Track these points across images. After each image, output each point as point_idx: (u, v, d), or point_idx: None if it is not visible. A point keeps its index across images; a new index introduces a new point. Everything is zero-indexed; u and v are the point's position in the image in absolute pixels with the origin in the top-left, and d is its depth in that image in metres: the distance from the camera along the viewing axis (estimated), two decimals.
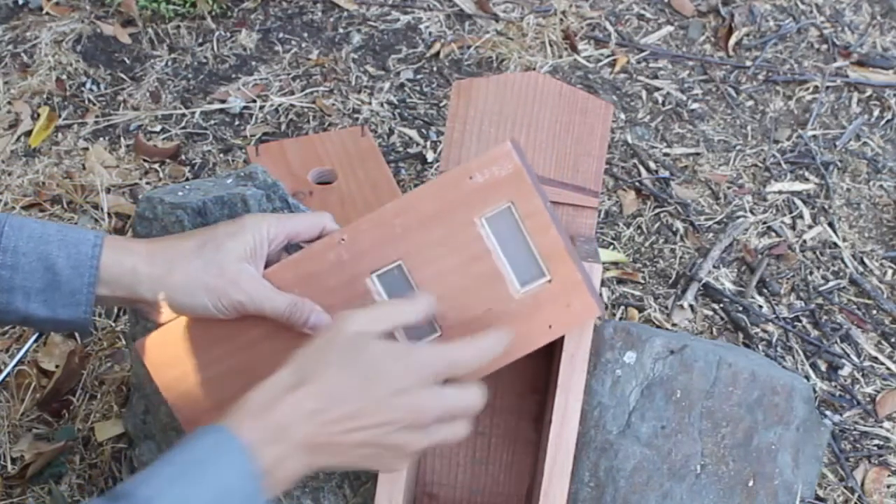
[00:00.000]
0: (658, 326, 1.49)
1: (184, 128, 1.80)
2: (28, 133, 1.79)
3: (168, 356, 0.94)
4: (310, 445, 0.76)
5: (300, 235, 0.92)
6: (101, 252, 0.87)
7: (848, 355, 1.49)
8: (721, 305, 1.54)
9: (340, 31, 1.98)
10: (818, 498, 1.31)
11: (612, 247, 1.61)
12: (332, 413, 0.76)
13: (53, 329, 0.89)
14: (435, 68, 1.91)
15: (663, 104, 1.85)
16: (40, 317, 0.86)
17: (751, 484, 1.13)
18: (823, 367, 1.47)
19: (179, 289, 0.87)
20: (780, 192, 1.71)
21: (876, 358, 1.49)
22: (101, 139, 1.78)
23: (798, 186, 1.72)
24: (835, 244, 1.63)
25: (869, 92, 1.88)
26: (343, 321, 0.80)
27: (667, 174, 1.72)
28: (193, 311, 0.89)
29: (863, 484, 1.34)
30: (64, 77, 1.88)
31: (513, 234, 0.88)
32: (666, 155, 1.76)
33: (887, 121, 1.84)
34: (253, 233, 0.89)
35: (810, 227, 1.66)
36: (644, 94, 1.87)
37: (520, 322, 0.89)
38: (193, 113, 1.82)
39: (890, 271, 1.61)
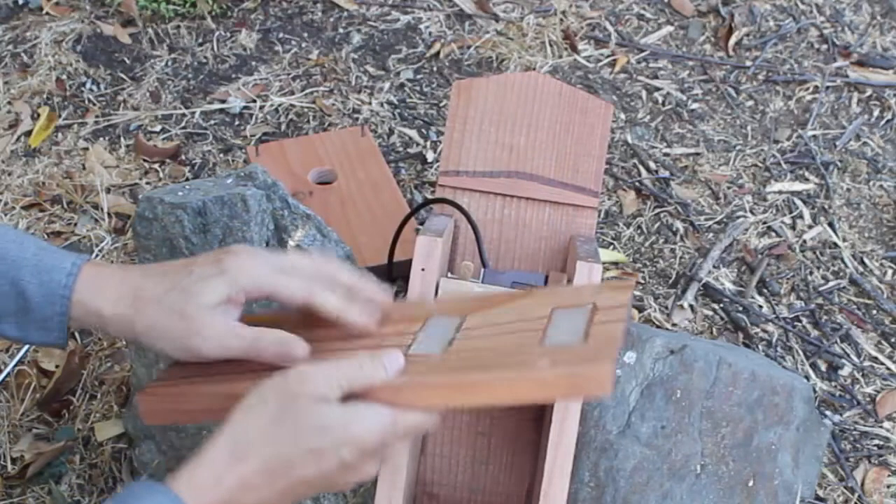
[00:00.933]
0: (658, 326, 1.49)
1: (184, 128, 1.80)
2: (28, 133, 1.79)
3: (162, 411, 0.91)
4: None
5: (283, 299, 0.86)
6: (76, 282, 0.84)
7: (848, 355, 1.49)
8: (721, 305, 1.54)
9: (340, 31, 1.98)
10: (818, 498, 1.31)
11: (612, 247, 1.61)
12: (279, 483, 0.74)
13: (31, 345, 0.88)
14: (435, 68, 1.91)
15: (663, 104, 1.85)
16: (13, 336, 0.85)
17: (751, 484, 1.13)
18: (823, 367, 1.47)
19: (142, 334, 0.84)
20: (780, 192, 1.71)
21: (876, 358, 1.49)
22: (101, 139, 1.78)
23: (798, 186, 1.72)
24: (835, 244, 1.63)
25: (869, 92, 1.88)
26: (299, 382, 0.75)
27: (667, 174, 1.72)
28: (157, 353, 0.87)
29: (863, 484, 1.34)
30: (64, 77, 1.88)
31: (577, 319, 0.83)
32: (666, 155, 1.76)
33: (887, 121, 1.84)
34: (230, 282, 0.84)
35: (810, 227, 1.66)
36: (644, 94, 1.87)
37: (522, 356, 0.80)
38: (193, 113, 1.82)
39: (890, 271, 1.61)
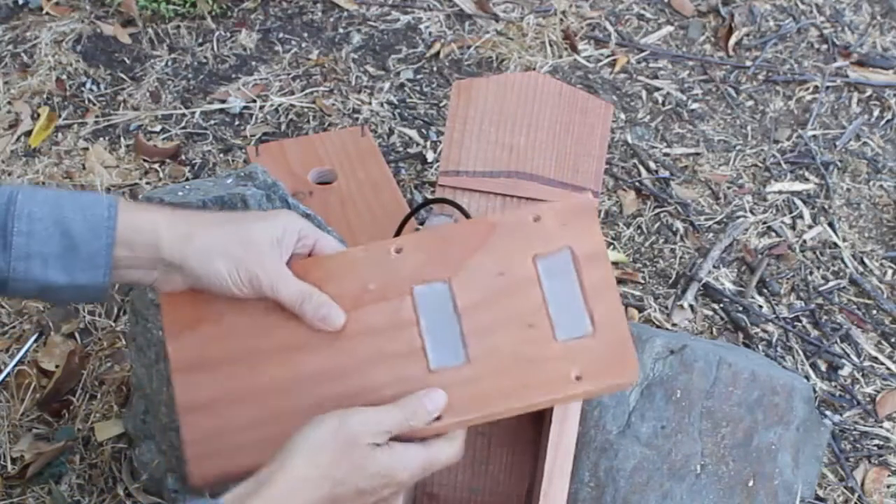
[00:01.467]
0: (658, 326, 1.49)
1: (184, 128, 1.80)
2: (28, 133, 1.79)
3: (183, 314, 0.91)
4: None
5: (322, 247, 0.91)
6: (118, 213, 0.84)
7: (848, 355, 1.49)
8: (721, 305, 1.54)
9: (340, 31, 1.98)
10: (818, 498, 1.31)
11: (612, 247, 1.61)
12: None
13: (73, 297, 0.86)
14: (435, 68, 1.91)
15: (663, 104, 1.85)
16: (59, 283, 0.84)
17: (751, 484, 1.13)
18: (823, 367, 1.47)
19: (199, 251, 0.85)
20: (780, 192, 1.71)
21: (876, 358, 1.49)
22: (101, 139, 1.78)
23: (798, 186, 1.72)
24: (835, 244, 1.63)
25: (869, 92, 1.88)
26: (350, 426, 0.80)
27: (667, 174, 1.72)
28: (207, 279, 0.86)
29: (863, 484, 1.34)
30: (64, 77, 1.88)
31: (566, 280, 0.87)
32: (666, 155, 1.76)
33: (887, 121, 1.84)
34: (285, 223, 0.88)
35: (810, 227, 1.66)
36: (644, 94, 1.87)
37: (550, 366, 0.86)
38: (193, 113, 1.82)
39: (890, 271, 1.61)
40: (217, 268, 0.85)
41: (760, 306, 1.54)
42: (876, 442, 1.39)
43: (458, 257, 0.89)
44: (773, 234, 1.64)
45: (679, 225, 1.65)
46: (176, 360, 0.89)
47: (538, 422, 1.09)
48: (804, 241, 1.63)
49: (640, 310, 1.52)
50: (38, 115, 1.81)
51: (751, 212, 1.67)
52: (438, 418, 0.85)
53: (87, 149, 1.76)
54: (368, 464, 0.80)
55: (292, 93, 1.85)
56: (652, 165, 1.74)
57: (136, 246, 0.85)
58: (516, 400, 0.85)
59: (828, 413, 1.41)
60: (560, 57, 1.92)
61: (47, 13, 2.00)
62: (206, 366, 0.88)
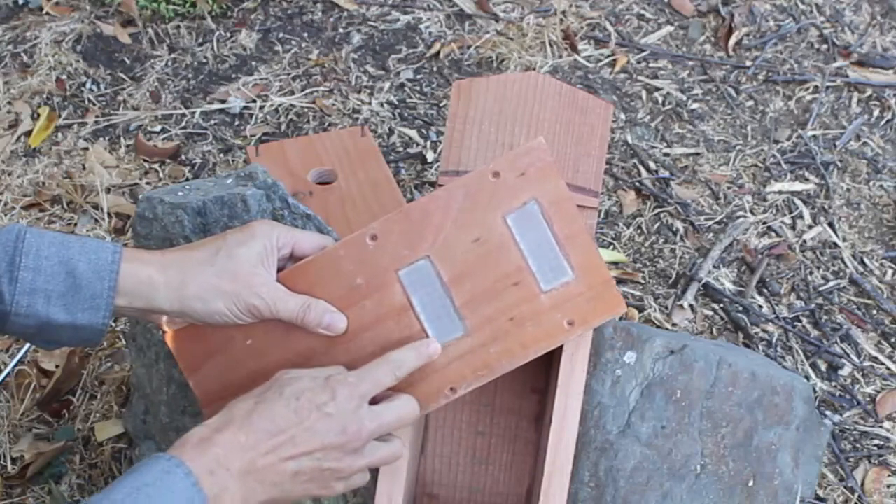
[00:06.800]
0: (658, 326, 1.49)
1: (184, 128, 1.80)
2: (28, 133, 1.79)
3: (194, 350, 0.95)
4: (247, 476, 0.80)
5: (304, 249, 0.94)
6: (121, 259, 0.87)
7: (848, 355, 1.49)
8: (721, 305, 1.54)
9: (340, 31, 1.98)
10: (818, 498, 1.31)
11: (612, 247, 1.61)
12: (264, 444, 0.81)
13: (70, 338, 0.89)
14: (435, 68, 1.91)
15: (663, 104, 1.85)
16: (59, 321, 0.86)
17: (751, 484, 1.13)
18: (823, 367, 1.47)
19: (195, 297, 0.88)
20: (780, 192, 1.71)
21: (876, 358, 1.49)
22: (101, 139, 1.78)
23: (798, 186, 1.72)
24: (835, 244, 1.63)
25: (869, 92, 1.88)
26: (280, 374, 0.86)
27: (667, 174, 1.73)
28: (210, 318, 0.90)
29: (863, 484, 1.34)
30: (64, 77, 1.88)
31: (539, 231, 0.91)
32: (666, 155, 1.76)
33: (887, 121, 1.84)
34: (263, 240, 0.91)
35: (810, 227, 1.66)
36: (644, 94, 1.87)
37: (543, 319, 0.91)
38: (193, 113, 1.82)
39: (890, 271, 1.61)
40: (217, 308, 0.89)
41: (760, 306, 1.54)
42: (876, 442, 1.39)
43: (432, 232, 0.92)
44: (773, 234, 1.65)
45: (679, 225, 1.65)
46: (201, 395, 0.94)
47: (538, 421, 1.09)
48: (804, 241, 1.64)
49: (640, 310, 1.52)
50: (38, 115, 1.81)
51: (751, 212, 1.67)
52: (453, 390, 0.91)
53: (87, 149, 1.76)
54: (286, 384, 0.84)
55: (292, 93, 1.85)
56: (652, 165, 1.74)
57: (133, 297, 0.89)
58: (519, 358, 0.92)
59: (828, 413, 1.41)
60: (560, 57, 1.92)
61: (47, 13, 2.00)
62: (230, 393, 0.91)
